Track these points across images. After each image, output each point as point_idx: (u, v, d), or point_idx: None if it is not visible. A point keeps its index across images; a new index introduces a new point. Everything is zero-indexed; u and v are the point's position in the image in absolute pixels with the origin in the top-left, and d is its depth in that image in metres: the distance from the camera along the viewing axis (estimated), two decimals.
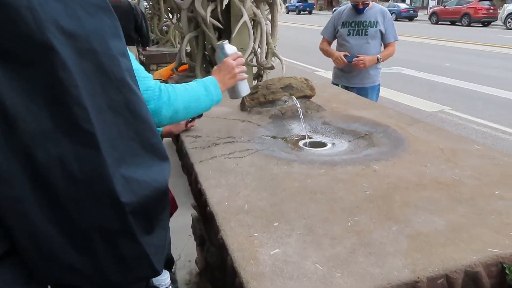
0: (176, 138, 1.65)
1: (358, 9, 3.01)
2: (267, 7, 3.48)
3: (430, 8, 26.39)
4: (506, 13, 18.06)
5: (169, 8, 5.15)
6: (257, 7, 3.32)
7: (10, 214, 0.44)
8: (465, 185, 1.16)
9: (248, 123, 1.75)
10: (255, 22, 3.34)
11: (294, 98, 1.85)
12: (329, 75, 8.30)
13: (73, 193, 0.44)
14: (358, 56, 2.97)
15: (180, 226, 2.37)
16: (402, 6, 26.04)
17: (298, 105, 1.79)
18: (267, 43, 3.46)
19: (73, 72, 0.44)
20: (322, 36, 3.32)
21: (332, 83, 3.25)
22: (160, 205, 0.53)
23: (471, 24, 19.75)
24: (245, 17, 3.05)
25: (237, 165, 1.30)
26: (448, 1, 23.63)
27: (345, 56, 3.00)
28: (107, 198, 0.46)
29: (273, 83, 1.92)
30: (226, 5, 3.12)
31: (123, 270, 0.50)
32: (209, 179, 1.20)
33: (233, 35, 3.14)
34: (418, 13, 25.70)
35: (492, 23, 19.87)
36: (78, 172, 0.44)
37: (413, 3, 33.12)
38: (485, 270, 0.85)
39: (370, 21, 3.00)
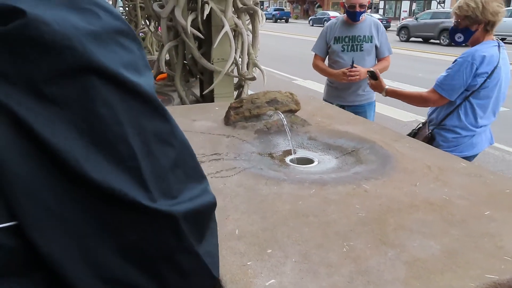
0: None
1: (354, 15, 2.70)
2: (248, 18, 3.46)
3: (402, 19, 27.10)
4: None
5: (146, 15, 5.07)
6: (238, 17, 3.29)
7: (68, 251, 0.43)
8: (456, 206, 1.16)
9: (233, 139, 1.71)
10: (236, 33, 3.32)
11: (280, 113, 1.82)
12: (307, 84, 8.39)
13: (131, 222, 0.45)
14: (355, 66, 2.68)
15: None
16: (376, 16, 26.65)
17: (284, 121, 1.77)
18: (248, 54, 3.44)
19: (116, 109, 0.43)
20: (313, 53, 3.04)
21: (324, 100, 2.95)
22: (209, 215, 0.53)
23: None
24: (227, 28, 3.02)
25: (225, 185, 1.26)
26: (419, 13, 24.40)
27: (348, 69, 2.70)
28: (165, 220, 0.46)
29: (258, 97, 1.89)
30: (207, 15, 3.08)
31: (187, 284, 0.51)
32: None
33: (215, 45, 3.10)
34: (391, 24, 26.37)
35: None
36: None
37: (386, 14, 33.99)
38: None
39: (364, 36, 2.75)
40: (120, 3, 7.75)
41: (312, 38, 18.40)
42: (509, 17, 16.69)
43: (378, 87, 2.26)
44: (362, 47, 2.76)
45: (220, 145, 1.62)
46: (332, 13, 27.33)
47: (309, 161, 1.65)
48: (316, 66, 2.99)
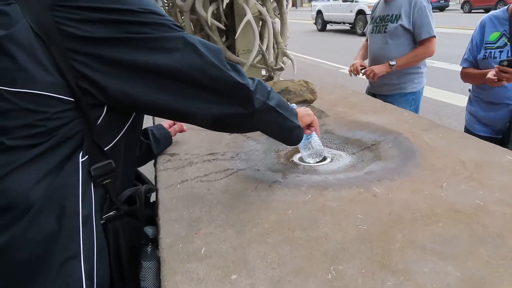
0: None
1: None
2: (275, 4, 3.25)
3: None
4: None
5: (177, 10, 5.01)
6: (263, 4, 3.09)
7: None
8: (491, 215, 0.90)
9: (236, 136, 1.54)
10: (262, 21, 3.12)
11: (293, 104, 1.61)
12: None
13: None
14: (365, 67, 2.44)
15: None
16: None
17: None
18: (277, 43, 3.22)
19: None
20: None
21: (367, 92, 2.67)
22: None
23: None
24: (249, 16, 2.83)
25: (208, 191, 1.09)
26: None
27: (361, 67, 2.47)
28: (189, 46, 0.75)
29: None
30: (230, 4, 2.91)
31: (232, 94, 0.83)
32: (169, 212, 0.99)
33: (237, 35, 2.93)
34: (450, 3, 24.38)
35: None
36: None
37: None
38: None
39: (392, 15, 2.32)
40: (160, 3, 7.83)
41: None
42: None
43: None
44: (386, 28, 2.33)
45: (219, 144, 1.45)
46: None
47: (321, 158, 1.43)
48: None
